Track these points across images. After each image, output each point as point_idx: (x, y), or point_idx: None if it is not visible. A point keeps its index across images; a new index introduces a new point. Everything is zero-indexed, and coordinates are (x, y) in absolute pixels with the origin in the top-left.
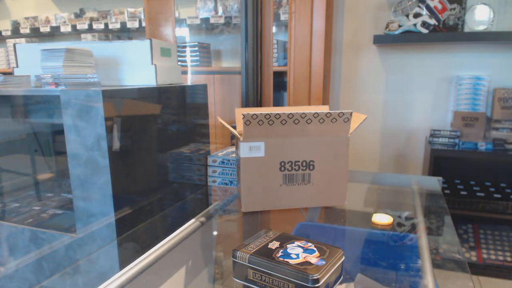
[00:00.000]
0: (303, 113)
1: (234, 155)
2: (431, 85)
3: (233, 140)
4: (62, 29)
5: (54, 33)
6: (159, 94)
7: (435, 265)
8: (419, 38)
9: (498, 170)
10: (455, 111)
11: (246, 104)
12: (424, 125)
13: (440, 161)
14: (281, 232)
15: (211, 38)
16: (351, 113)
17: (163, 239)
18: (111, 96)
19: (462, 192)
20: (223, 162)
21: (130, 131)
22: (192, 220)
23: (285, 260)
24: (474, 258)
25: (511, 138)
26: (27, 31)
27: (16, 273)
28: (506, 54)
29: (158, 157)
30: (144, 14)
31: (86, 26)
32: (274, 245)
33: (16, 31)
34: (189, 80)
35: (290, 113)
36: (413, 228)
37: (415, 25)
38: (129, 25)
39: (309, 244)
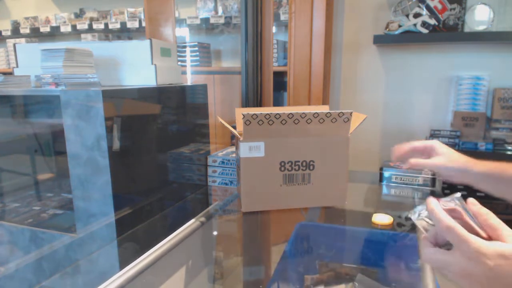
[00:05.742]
0: (303, 113)
1: (234, 155)
2: (431, 85)
3: (233, 140)
4: (62, 29)
5: (54, 33)
6: (159, 94)
7: None
8: (419, 38)
9: None
10: (455, 111)
11: (246, 104)
12: (424, 125)
13: None
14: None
15: (211, 38)
16: (351, 113)
17: (163, 239)
18: (111, 96)
19: (462, 192)
20: (223, 162)
21: (130, 131)
22: (192, 220)
23: None
24: None
25: (511, 138)
26: (27, 31)
27: (16, 273)
28: (506, 54)
29: (158, 157)
30: (144, 14)
31: (86, 26)
32: None
33: (16, 31)
34: (189, 80)
35: (290, 113)
36: (413, 228)
37: (415, 25)
38: (129, 25)
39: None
